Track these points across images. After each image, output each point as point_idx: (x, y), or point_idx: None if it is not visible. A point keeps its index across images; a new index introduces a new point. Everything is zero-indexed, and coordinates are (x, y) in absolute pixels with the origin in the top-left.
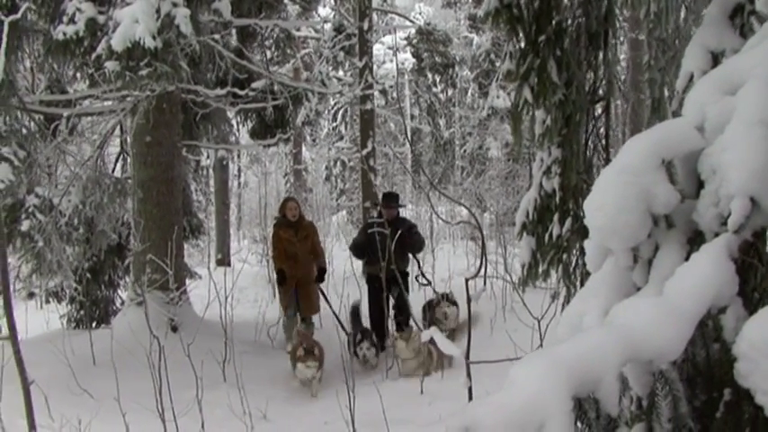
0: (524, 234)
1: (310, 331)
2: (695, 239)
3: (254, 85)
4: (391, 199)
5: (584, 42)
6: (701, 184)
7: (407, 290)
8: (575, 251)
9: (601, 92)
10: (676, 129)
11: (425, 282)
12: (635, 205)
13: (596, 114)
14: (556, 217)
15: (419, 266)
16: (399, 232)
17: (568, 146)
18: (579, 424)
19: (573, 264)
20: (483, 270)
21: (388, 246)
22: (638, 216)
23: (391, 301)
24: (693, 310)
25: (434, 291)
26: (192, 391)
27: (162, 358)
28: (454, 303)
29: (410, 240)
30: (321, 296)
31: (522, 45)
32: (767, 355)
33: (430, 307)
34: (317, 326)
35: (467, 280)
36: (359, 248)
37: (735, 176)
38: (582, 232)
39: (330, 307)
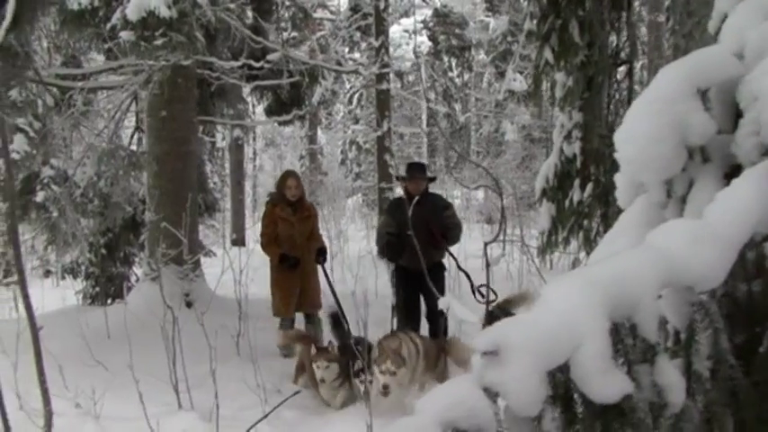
0: (544, 201)
1: (317, 334)
2: (733, 174)
3: (269, 57)
4: (417, 170)
5: (606, 3)
6: (738, 116)
7: (442, 290)
8: (596, 217)
9: (623, 54)
10: (713, 56)
11: (482, 298)
12: (668, 135)
13: (619, 77)
14: (577, 182)
15: (458, 266)
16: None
17: (590, 109)
18: (614, 351)
19: (594, 230)
20: (502, 234)
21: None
22: (672, 147)
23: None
24: (735, 236)
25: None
26: (205, 365)
27: (176, 330)
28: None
29: (443, 225)
30: (325, 279)
31: (544, 5)
32: None
33: (491, 319)
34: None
35: (486, 244)
36: (392, 247)
37: None
38: (604, 198)
39: (333, 291)
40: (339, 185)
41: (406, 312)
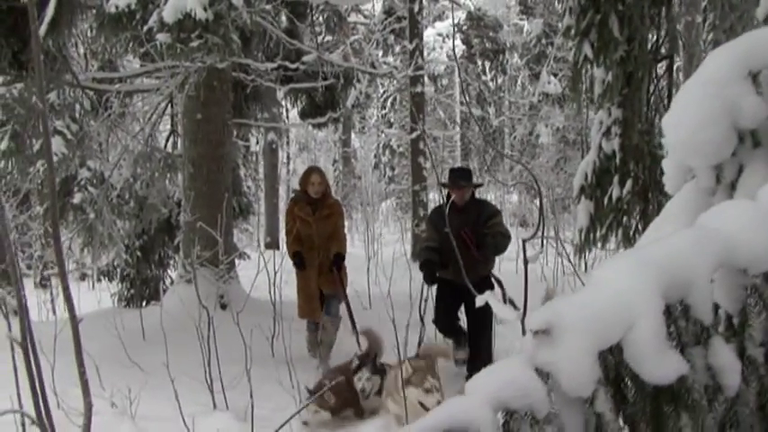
0: (582, 198)
1: (335, 325)
2: None
3: (304, 58)
4: (461, 175)
5: None
6: None
7: (488, 311)
8: (635, 214)
9: (663, 50)
10: (765, 38)
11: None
12: (719, 119)
13: (659, 73)
14: (616, 179)
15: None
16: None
17: (629, 105)
18: (667, 333)
19: (633, 227)
20: (540, 231)
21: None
22: (722, 131)
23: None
24: None
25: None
26: (239, 366)
27: (211, 330)
28: None
29: (487, 237)
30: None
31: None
32: None
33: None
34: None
35: (524, 241)
36: (428, 268)
37: None
38: (643, 195)
39: (346, 300)
40: (373, 189)
41: (441, 328)
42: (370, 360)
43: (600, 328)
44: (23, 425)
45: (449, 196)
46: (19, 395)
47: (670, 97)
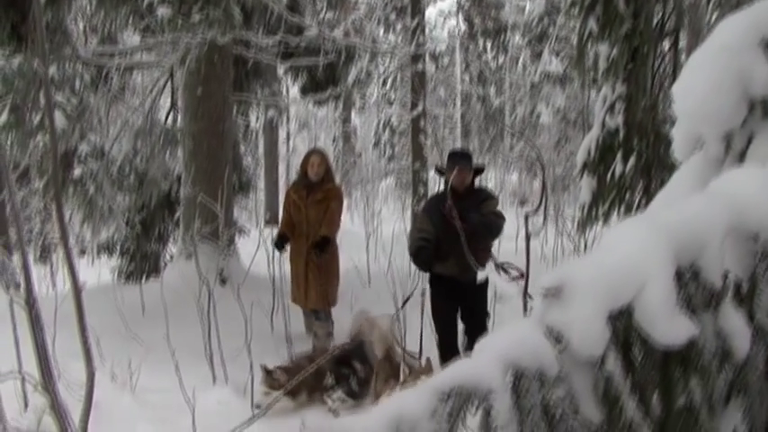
0: (585, 174)
1: (326, 330)
2: None
3: (306, 33)
4: (461, 159)
5: None
6: None
7: (484, 305)
8: (638, 191)
9: (669, 25)
10: None
11: (506, 275)
12: (729, 87)
13: (664, 49)
14: (619, 155)
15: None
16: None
17: (634, 81)
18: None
19: (636, 203)
20: (544, 205)
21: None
22: (733, 99)
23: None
24: None
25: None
26: (239, 340)
27: (211, 303)
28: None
29: (485, 219)
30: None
31: None
32: None
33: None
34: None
35: (527, 216)
36: (424, 253)
37: None
38: (647, 171)
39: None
40: (373, 167)
41: (440, 327)
42: (350, 375)
43: (611, 289)
44: (24, 395)
45: (449, 184)
46: (20, 364)
47: (675, 73)
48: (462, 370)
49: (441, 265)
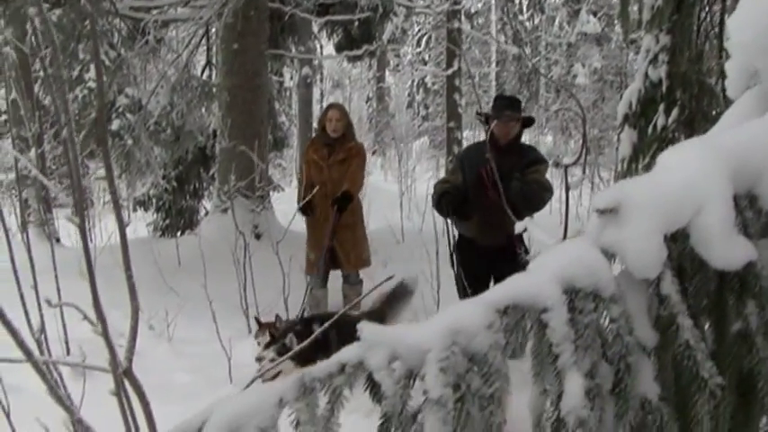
0: (626, 127)
1: (357, 293)
2: None
3: None
4: (508, 106)
5: None
6: None
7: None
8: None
9: None
10: None
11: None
12: None
13: None
14: (661, 107)
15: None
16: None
17: (679, 31)
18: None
19: None
20: (583, 157)
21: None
22: None
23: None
24: None
25: None
26: (274, 292)
27: (247, 256)
28: None
29: (526, 189)
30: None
31: None
32: None
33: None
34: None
35: (566, 167)
36: (446, 198)
37: None
38: (689, 124)
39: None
40: (407, 127)
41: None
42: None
43: (668, 210)
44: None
45: (491, 134)
46: (62, 313)
47: (722, 24)
48: (518, 287)
49: (466, 226)
